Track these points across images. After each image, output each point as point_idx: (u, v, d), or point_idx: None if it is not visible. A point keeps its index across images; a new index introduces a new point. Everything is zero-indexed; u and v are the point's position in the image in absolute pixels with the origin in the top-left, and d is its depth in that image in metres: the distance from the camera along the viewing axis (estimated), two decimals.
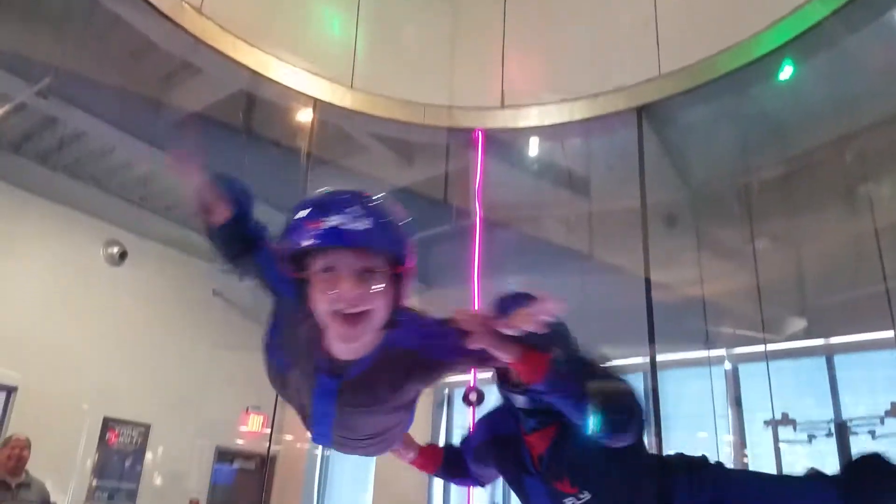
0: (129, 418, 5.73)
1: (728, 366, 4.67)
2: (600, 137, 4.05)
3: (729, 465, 4.82)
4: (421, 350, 1.15)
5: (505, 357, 1.11)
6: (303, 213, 1.04)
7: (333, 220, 1.00)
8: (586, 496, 1.45)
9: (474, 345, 1.05)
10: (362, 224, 1.01)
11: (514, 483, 1.61)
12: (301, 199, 1.08)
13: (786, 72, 3.79)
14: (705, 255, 4.25)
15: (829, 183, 4.23)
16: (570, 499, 1.47)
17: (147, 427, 5.82)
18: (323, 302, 1.03)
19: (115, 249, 5.31)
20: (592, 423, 1.20)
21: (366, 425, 1.30)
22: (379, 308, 1.05)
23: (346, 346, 1.10)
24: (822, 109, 3.88)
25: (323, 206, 1.04)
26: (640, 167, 3.91)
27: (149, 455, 5.84)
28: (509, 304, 1.21)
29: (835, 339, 4.39)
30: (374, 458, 5.97)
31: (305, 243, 1.01)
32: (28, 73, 4.06)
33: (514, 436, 1.55)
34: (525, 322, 0.99)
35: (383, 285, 1.04)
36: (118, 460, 5.76)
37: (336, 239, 1.00)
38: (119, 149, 4.78)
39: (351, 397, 1.18)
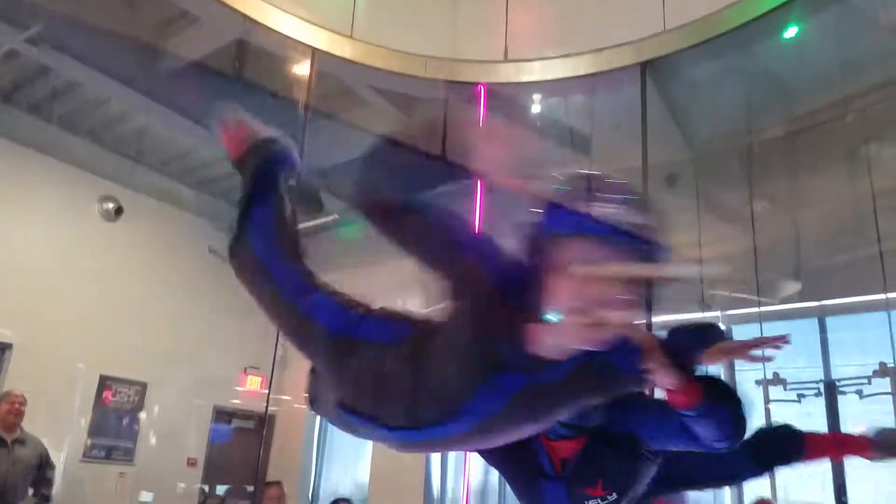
0: (126, 376, 5.74)
1: (722, 327, 4.72)
2: (604, 94, 4.02)
3: None
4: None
5: (667, 383, 1.10)
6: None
7: None
8: (613, 497, 1.48)
9: (650, 367, 1.02)
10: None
11: (525, 485, 1.58)
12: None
13: (790, 31, 3.77)
14: (704, 216, 4.26)
15: (831, 145, 4.23)
16: (595, 501, 1.48)
17: (144, 385, 5.84)
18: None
19: (111, 205, 5.25)
20: (721, 436, 1.28)
21: (507, 434, 1.13)
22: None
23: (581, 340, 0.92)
24: (826, 69, 3.86)
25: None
26: (642, 124, 3.89)
27: (145, 414, 5.86)
28: (691, 337, 1.26)
29: (828, 302, 4.44)
30: None
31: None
32: (17, 19, 3.96)
33: (532, 441, 1.52)
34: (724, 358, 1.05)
35: None
36: (115, 419, 5.78)
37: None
38: (114, 100, 4.70)
39: (529, 400, 1.01)
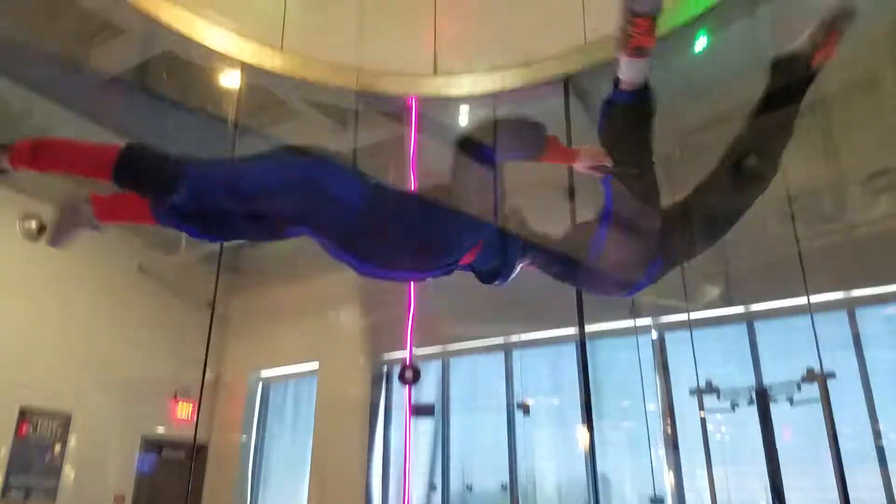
0: (48, 407, 5.41)
1: (655, 335, 4.76)
2: (530, 107, 4.10)
3: (657, 435, 4.87)
4: None
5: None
6: None
7: None
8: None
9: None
10: None
11: None
12: None
13: (700, 42, 3.94)
14: None
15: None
16: None
17: (68, 417, 5.51)
18: None
19: (34, 223, 5.02)
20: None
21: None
22: None
23: None
24: (736, 75, 4.03)
25: None
26: (567, 137, 3.98)
27: (70, 447, 5.51)
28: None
29: (755, 307, 4.53)
30: (310, 447, 5.81)
31: None
32: None
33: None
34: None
35: None
36: (36, 454, 5.42)
37: None
38: (37, 113, 4.56)
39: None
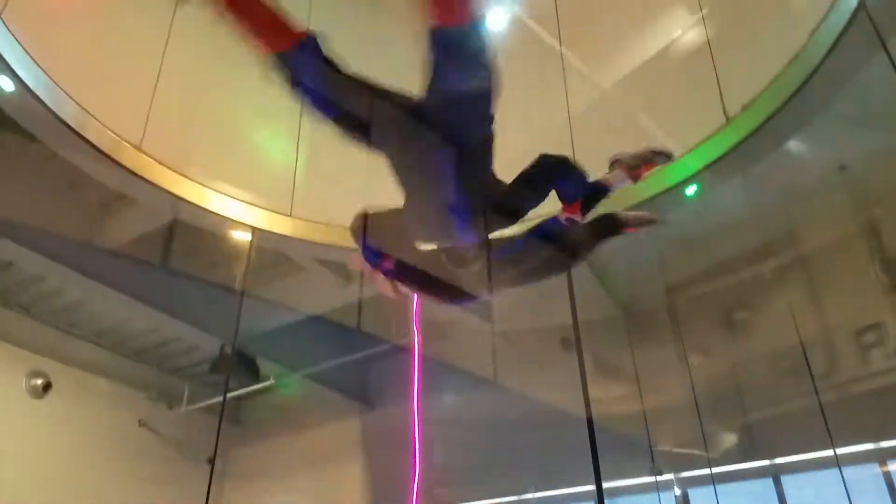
0: None
1: (678, 491, 4.50)
2: None
3: None
4: None
5: None
6: None
7: None
8: None
9: None
10: None
11: None
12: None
13: (690, 190, 4.05)
14: (643, 374, 4.25)
15: (753, 297, 4.38)
16: None
17: None
18: None
19: (40, 381, 5.01)
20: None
21: None
22: None
23: None
24: (733, 223, 4.11)
25: None
26: (569, 290, 4.00)
27: None
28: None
29: (781, 460, 4.32)
30: None
31: None
32: None
33: None
34: None
35: None
36: None
37: None
38: (49, 277, 4.67)
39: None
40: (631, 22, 4.28)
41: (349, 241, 4.26)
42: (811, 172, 3.91)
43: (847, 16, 3.18)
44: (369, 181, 4.49)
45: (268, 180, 4.43)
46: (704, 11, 3.91)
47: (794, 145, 3.83)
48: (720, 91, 3.74)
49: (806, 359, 3.78)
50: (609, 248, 4.21)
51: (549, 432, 4.21)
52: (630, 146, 3.96)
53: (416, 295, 2.67)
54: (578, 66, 4.14)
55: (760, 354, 4.20)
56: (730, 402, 4.30)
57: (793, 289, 4.22)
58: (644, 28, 4.18)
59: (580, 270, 4.10)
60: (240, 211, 4.20)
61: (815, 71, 3.42)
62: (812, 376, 3.78)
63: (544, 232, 2.16)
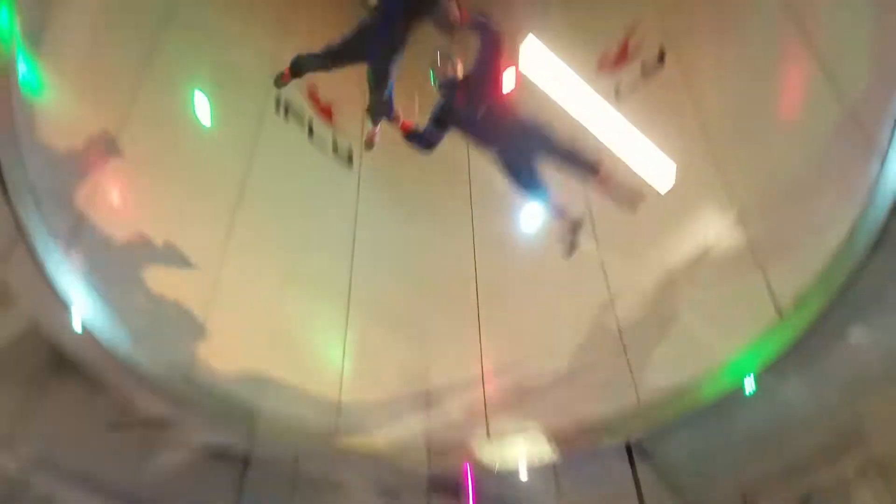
0: None
1: None
2: (592, 471, 3.90)
3: None
4: None
5: None
6: None
7: None
8: None
9: None
10: None
11: None
12: None
13: (748, 385, 3.82)
14: None
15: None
16: None
17: None
18: None
19: None
20: None
21: None
22: None
23: None
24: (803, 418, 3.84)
25: None
26: (638, 497, 3.70)
27: None
28: None
29: None
30: None
31: None
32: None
33: None
34: None
35: None
36: None
37: None
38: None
39: None
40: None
41: (394, 457, 4.07)
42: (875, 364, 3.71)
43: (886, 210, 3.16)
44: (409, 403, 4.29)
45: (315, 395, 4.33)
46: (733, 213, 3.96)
47: (854, 336, 3.68)
48: (769, 287, 3.69)
49: None
50: (682, 449, 3.95)
51: None
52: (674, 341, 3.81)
53: None
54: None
55: None
56: None
57: (871, 487, 3.85)
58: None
59: (646, 475, 3.82)
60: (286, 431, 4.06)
61: (863, 265, 3.37)
62: None
63: None
